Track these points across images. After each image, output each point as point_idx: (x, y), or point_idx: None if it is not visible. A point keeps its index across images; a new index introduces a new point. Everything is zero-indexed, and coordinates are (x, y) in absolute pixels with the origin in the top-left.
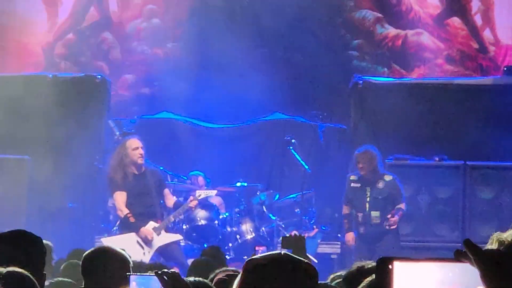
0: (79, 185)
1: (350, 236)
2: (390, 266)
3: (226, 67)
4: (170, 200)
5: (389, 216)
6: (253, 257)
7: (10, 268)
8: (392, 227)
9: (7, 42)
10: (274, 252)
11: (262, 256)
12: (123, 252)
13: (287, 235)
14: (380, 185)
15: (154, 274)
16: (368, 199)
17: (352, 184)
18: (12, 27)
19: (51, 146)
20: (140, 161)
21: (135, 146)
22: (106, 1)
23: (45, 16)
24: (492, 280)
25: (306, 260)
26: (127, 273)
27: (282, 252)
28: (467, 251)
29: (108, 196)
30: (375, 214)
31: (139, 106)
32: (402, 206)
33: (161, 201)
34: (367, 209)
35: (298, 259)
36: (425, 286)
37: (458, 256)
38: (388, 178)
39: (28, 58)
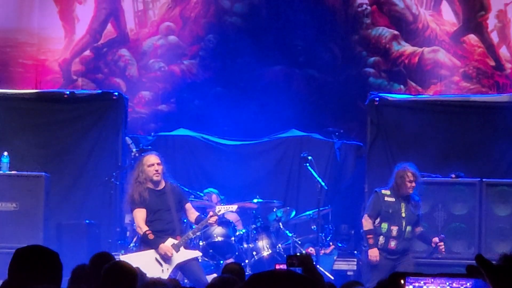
0: (96, 202)
1: (376, 252)
2: (402, 281)
3: (243, 84)
4: (193, 214)
5: (438, 242)
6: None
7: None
8: (442, 249)
9: (24, 59)
10: (278, 268)
11: (266, 271)
12: (133, 267)
13: (297, 253)
14: (413, 202)
15: None
16: (403, 215)
17: (386, 198)
18: (30, 44)
19: (68, 163)
20: (155, 177)
21: (150, 163)
22: (123, 18)
23: (62, 33)
24: None
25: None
26: None
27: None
28: (479, 266)
29: (127, 213)
30: (409, 229)
31: (156, 122)
32: (421, 229)
33: (183, 217)
34: (404, 223)
35: (304, 276)
36: None
37: (470, 272)
38: (417, 197)
39: (46, 75)
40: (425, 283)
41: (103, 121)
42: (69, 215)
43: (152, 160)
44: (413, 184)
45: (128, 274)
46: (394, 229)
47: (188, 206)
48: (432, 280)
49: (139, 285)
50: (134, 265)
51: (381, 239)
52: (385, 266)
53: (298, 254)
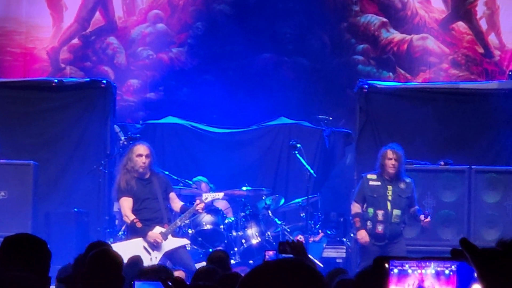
0: (85, 190)
1: (363, 233)
2: (386, 265)
3: (231, 72)
4: (177, 204)
5: (422, 216)
6: (265, 261)
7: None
8: (424, 225)
9: (12, 47)
10: (287, 257)
11: (276, 260)
12: (118, 254)
13: (287, 240)
14: (402, 185)
15: (159, 280)
16: (389, 198)
17: (371, 182)
18: (18, 32)
19: (56, 151)
20: (141, 169)
21: (139, 153)
22: (111, 6)
23: (50, 21)
24: (488, 278)
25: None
26: (132, 280)
27: (296, 258)
28: (463, 249)
29: (115, 201)
30: (396, 212)
31: (145, 110)
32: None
33: (168, 206)
34: (389, 207)
35: (312, 266)
36: (422, 284)
37: (454, 255)
38: (408, 180)
39: (34, 63)
40: (410, 267)
41: (91, 109)
42: (57, 204)
43: (141, 151)
44: (393, 163)
45: (114, 261)
46: (380, 213)
47: (172, 195)
48: (417, 263)
49: (137, 271)
50: (123, 254)
51: (369, 223)
52: (374, 252)
53: (289, 241)
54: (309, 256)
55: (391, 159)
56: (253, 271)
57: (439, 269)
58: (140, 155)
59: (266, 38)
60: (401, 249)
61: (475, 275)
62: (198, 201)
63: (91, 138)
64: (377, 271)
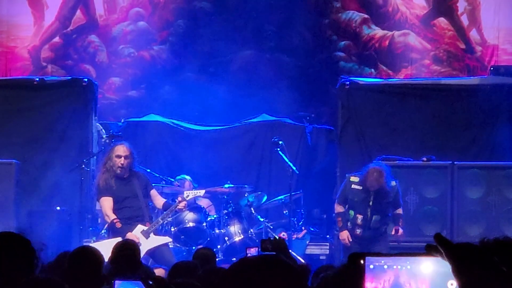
0: (67, 188)
1: (345, 234)
2: (362, 262)
3: (213, 69)
4: (159, 201)
5: (393, 233)
6: (244, 257)
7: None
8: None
9: None
10: (266, 254)
11: (254, 257)
12: (99, 252)
13: (268, 237)
14: (384, 191)
15: (139, 279)
16: (370, 203)
17: (353, 186)
18: None
19: (38, 150)
20: (118, 170)
21: (117, 154)
22: (92, 4)
23: (31, 20)
24: (462, 273)
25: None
26: (114, 279)
27: (274, 254)
28: (437, 245)
29: (96, 200)
30: (376, 218)
31: (126, 108)
32: (400, 211)
33: (150, 203)
34: (369, 213)
35: (289, 262)
36: (398, 280)
37: (429, 250)
38: (393, 183)
39: (15, 62)
40: (386, 262)
41: (73, 107)
42: (40, 202)
43: (120, 152)
44: (379, 182)
45: (94, 260)
46: (359, 217)
47: (153, 192)
48: (392, 259)
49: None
50: (104, 253)
51: (349, 224)
52: (356, 249)
53: (271, 238)
54: (292, 253)
55: (376, 180)
56: (231, 267)
57: (414, 264)
58: (119, 156)
59: (248, 35)
60: (384, 246)
61: (450, 270)
62: (180, 199)
63: (73, 136)
64: (352, 268)
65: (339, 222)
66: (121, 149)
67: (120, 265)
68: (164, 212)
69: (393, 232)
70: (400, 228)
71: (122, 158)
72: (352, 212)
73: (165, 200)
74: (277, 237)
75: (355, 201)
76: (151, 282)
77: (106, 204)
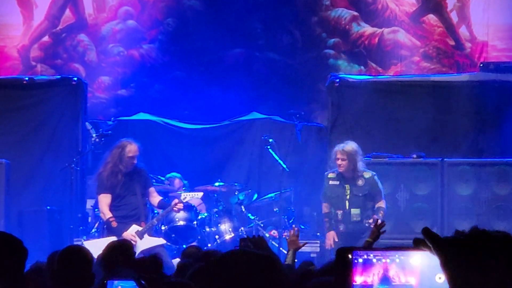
0: (57, 188)
1: (330, 235)
2: (349, 256)
3: (202, 68)
4: (156, 198)
5: (370, 220)
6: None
7: None
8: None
9: None
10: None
11: (220, 256)
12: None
13: (247, 236)
14: (360, 182)
15: (132, 279)
16: (348, 197)
17: (331, 182)
18: None
19: (28, 149)
20: (128, 169)
21: (131, 155)
22: (81, 3)
23: (20, 19)
24: (451, 267)
25: (268, 254)
26: (106, 279)
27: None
28: (425, 239)
29: (95, 194)
30: (355, 211)
31: (116, 107)
32: (382, 204)
33: (146, 202)
34: (347, 206)
35: (258, 253)
36: (387, 274)
37: (417, 245)
38: (367, 175)
39: (4, 61)
40: (374, 256)
41: (62, 106)
42: (30, 202)
43: (133, 152)
44: (340, 162)
45: (84, 259)
46: (339, 213)
47: (152, 190)
48: (382, 253)
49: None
50: (97, 252)
51: (333, 222)
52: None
53: (250, 237)
54: (282, 250)
55: (338, 158)
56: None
57: (403, 257)
58: (132, 157)
59: (237, 33)
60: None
61: (439, 264)
62: (176, 200)
63: (62, 135)
64: (339, 262)
65: (326, 222)
66: (134, 149)
67: (113, 265)
68: (159, 214)
69: (370, 220)
70: (378, 218)
71: (135, 158)
72: (333, 210)
73: (161, 198)
74: (267, 234)
75: (334, 197)
76: (143, 282)
77: (104, 200)
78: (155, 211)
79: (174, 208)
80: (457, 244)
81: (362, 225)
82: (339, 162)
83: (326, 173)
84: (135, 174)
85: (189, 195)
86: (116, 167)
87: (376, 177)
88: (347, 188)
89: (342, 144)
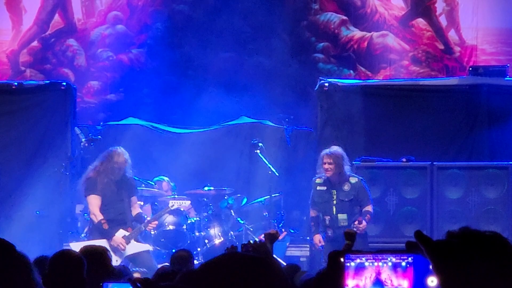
0: (46, 193)
1: (317, 239)
2: (342, 260)
3: (191, 72)
4: (135, 210)
5: (356, 222)
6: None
7: None
8: (360, 231)
9: None
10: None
11: (213, 258)
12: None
13: (249, 241)
14: (346, 187)
15: (127, 281)
16: (334, 202)
17: (318, 187)
18: None
19: (17, 154)
20: (117, 175)
21: (121, 160)
22: (70, 8)
23: (9, 24)
24: (443, 269)
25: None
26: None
27: (231, 251)
28: (418, 242)
29: (82, 195)
30: (342, 217)
31: (105, 112)
32: (369, 208)
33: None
34: (334, 212)
35: (250, 256)
36: (379, 277)
37: (409, 248)
38: (353, 180)
39: None
40: (366, 259)
41: (51, 111)
42: (19, 206)
43: (123, 158)
44: (327, 166)
45: (75, 263)
46: (327, 218)
47: (134, 199)
48: (374, 256)
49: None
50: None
51: (321, 227)
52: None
53: (251, 241)
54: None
55: (325, 163)
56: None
57: (395, 261)
58: (122, 162)
59: (226, 37)
60: (362, 246)
61: (431, 267)
62: (151, 222)
63: (52, 140)
64: (332, 266)
65: (312, 226)
66: (124, 156)
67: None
68: (147, 220)
69: (356, 223)
70: (363, 220)
71: (123, 167)
72: (321, 215)
73: (140, 211)
74: (257, 240)
75: (321, 203)
76: (139, 285)
77: (95, 202)
78: (144, 216)
79: (148, 228)
80: (449, 247)
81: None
82: (326, 166)
83: (313, 178)
84: (123, 182)
85: (177, 202)
86: (103, 171)
87: (363, 182)
88: (333, 194)
89: (328, 149)
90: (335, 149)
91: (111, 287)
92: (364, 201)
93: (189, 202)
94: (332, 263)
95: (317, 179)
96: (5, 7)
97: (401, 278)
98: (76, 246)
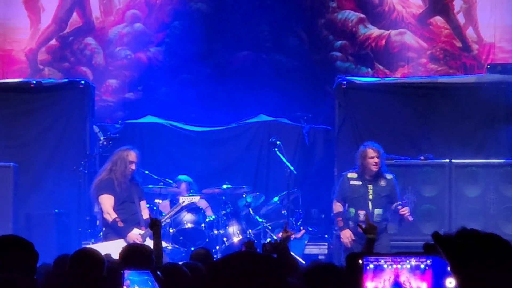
0: (65, 191)
1: (348, 233)
2: (360, 261)
3: (209, 70)
4: (145, 214)
5: (399, 207)
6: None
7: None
8: (407, 215)
9: None
10: (233, 252)
11: (221, 258)
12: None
13: (269, 241)
14: (383, 183)
15: (148, 270)
16: (370, 197)
17: (352, 182)
18: None
19: (36, 153)
20: (128, 175)
21: (132, 159)
22: (88, 6)
23: (27, 22)
24: (461, 271)
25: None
26: (123, 269)
27: (242, 251)
28: (436, 244)
29: (95, 196)
30: (378, 211)
31: (123, 110)
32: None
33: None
34: (370, 207)
35: (259, 255)
36: (398, 279)
37: (427, 249)
38: (389, 176)
39: (12, 65)
40: (385, 262)
41: (70, 110)
42: (38, 205)
43: (134, 158)
44: (376, 160)
45: (95, 261)
46: (361, 213)
47: (143, 204)
48: (393, 258)
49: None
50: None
51: (351, 223)
52: (357, 249)
53: (271, 241)
54: (291, 253)
55: (373, 157)
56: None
57: (414, 263)
58: (132, 162)
59: (244, 36)
60: (385, 244)
61: (449, 268)
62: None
63: (70, 139)
64: (350, 268)
65: (339, 222)
66: (134, 155)
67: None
68: (161, 217)
69: (399, 207)
70: (407, 206)
71: (134, 164)
72: (353, 210)
73: (148, 217)
74: (275, 238)
75: (355, 197)
76: (160, 274)
77: (108, 202)
78: (163, 214)
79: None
80: (467, 249)
81: (381, 225)
82: (375, 160)
83: (344, 173)
84: (134, 185)
85: (188, 199)
86: (115, 171)
87: (395, 180)
88: (369, 188)
89: (370, 144)
90: (377, 144)
91: (131, 274)
92: (395, 198)
93: (198, 197)
94: (350, 265)
95: (350, 174)
96: (23, 6)
97: (420, 281)
98: (95, 247)
